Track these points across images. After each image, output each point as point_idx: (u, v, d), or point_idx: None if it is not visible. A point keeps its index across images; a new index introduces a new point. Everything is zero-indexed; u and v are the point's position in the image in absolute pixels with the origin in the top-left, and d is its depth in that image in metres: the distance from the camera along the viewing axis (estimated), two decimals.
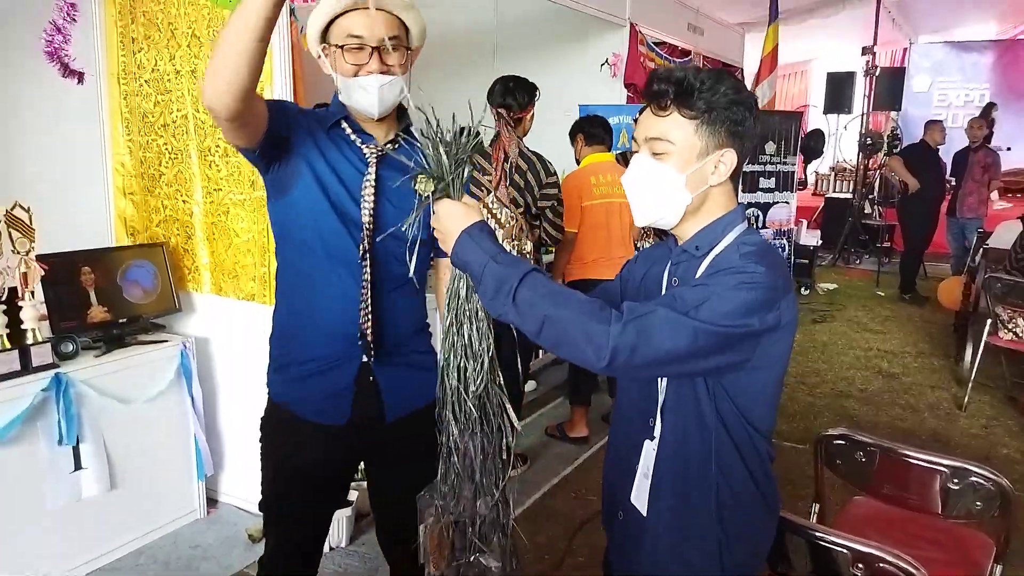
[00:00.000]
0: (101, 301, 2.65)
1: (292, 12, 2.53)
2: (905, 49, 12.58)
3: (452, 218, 1.22)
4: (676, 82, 1.19)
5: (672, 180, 1.21)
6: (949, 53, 12.41)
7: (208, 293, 2.87)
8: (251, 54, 1.23)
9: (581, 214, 3.52)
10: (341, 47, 1.47)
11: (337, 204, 1.53)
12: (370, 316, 1.54)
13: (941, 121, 7.92)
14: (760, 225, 6.02)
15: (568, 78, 5.14)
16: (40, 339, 2.39)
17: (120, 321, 2.69)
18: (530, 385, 4.39)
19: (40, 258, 2.40)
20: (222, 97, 1.27)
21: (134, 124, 2.90)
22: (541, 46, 5.26)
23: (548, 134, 4.64)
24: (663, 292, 1.30)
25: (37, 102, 2.91)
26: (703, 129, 1.19)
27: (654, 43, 5.25)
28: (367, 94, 1.49)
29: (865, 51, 8.44)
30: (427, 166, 1.26)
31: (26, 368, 2.34)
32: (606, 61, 4.94)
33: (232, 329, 2.86)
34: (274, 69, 2.49)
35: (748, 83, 7.03)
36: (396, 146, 1.60)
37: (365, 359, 1.57)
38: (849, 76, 8.95)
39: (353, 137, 1.57)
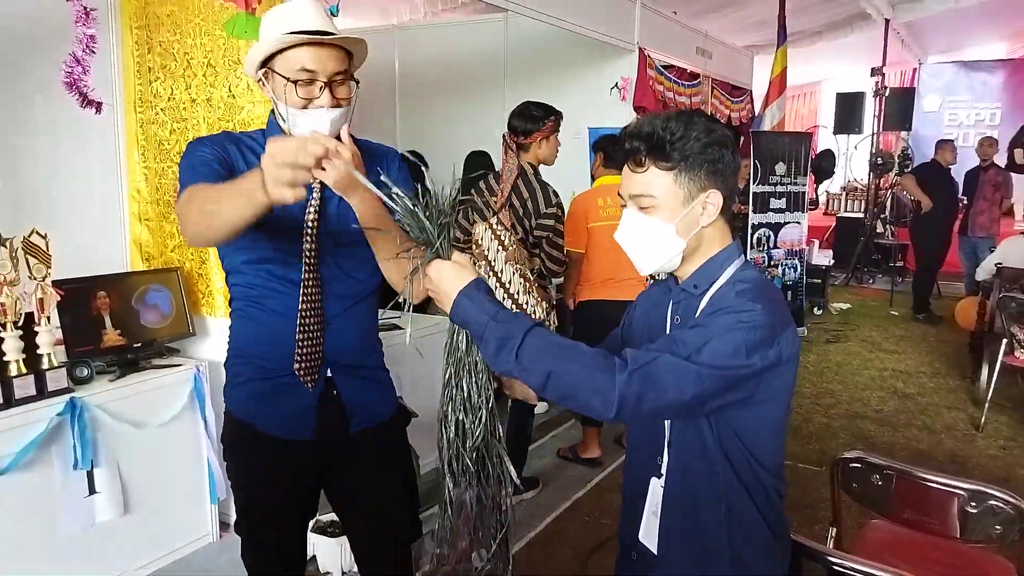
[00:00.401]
0: (116, 326, 2.68)
1: None
2: (915, 69, 12.60)
3: (447, 279, 1.20)
4: (646, 137, 1.22)
5: (663, 231, 1.24)
6: (959, 73, 12.42)
7: (221, 317, 2.89)
8: (246, 223, 1.28)
9: (588, 235, 3.53)
10: (290, 80, 1.45)
11: (279, 230, 1.53)
12: (320, 337, 1.57)
13: (952, 141, 7.90)
14: (772, 245, 6.01)
15: (578, 102, 5.18)
16: (55, 364, 2.42)
17: (135, 345, 2.72)
18: (542, 407, 4.37)
19: (56, 284, 2.44)
20: (209, 244, 1.39)
21: (150, 151, 2.94)
22: (551, 71, 5.31)
23: (560, 158, 4.67)
24: (668, 330, 1.32)
25: (56, 130, 2.96)
26: (682, 177, 1.22)
27: (663, 67, 5.28)
28: (317, 128, 1.45)
29: (875, 72, 8.46)
30: (408, 231, 1.24)
31: (41, 393, 2.36)
32: (615, 85, 4.97)
33: None
34: None
35: (758, 104, 7.06)
36: None
37: (329, 374, 1.61)
38: (859, 96, 8.97)
39: None
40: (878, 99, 8.80)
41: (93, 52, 1.85)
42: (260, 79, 1.52)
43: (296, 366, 1.57)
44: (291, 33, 1.43)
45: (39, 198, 3.29)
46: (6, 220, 3.44)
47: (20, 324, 2.33)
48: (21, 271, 2.34)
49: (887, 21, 9.46)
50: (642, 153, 1.22)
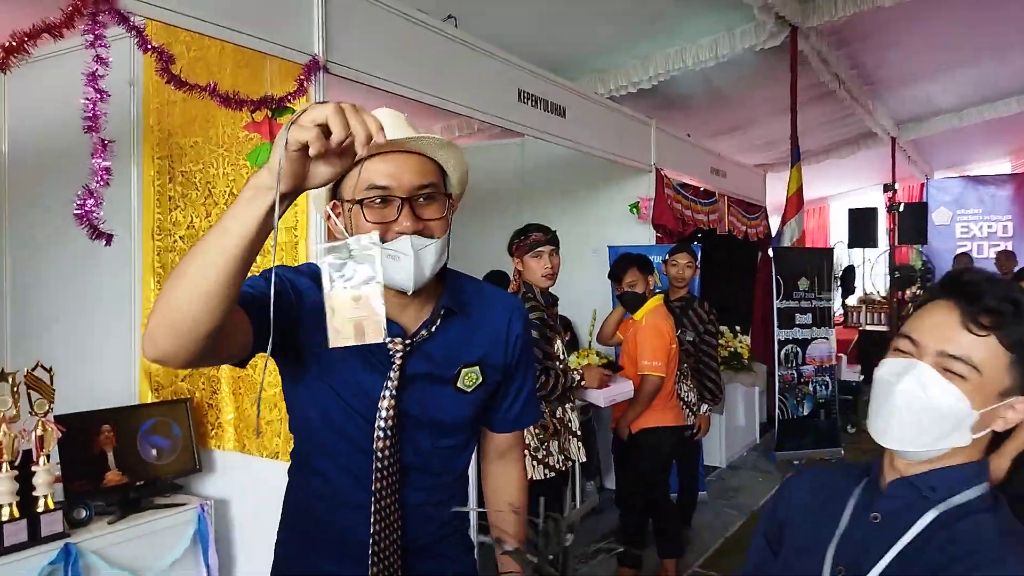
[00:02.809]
0: (119, 463, 2.52)
1: None
2: (922, 184, 12.79)
3: None
4: (1013, 301, 0.96)
5: (960, 413, 0.96)
6: (967, 187, 12.57)
7: (230, 450, 2.73)
8: (221, 291, 0.93)
9: (668, 358, 3.40)
10: (360, 202, 1.14)
11: (347, 415, 1.23)
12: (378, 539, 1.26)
13: (968, 253, 7.88)
14: (800, 362, 5.83)
15: (596, 220, 5.20)
16: (52, 506, 2.25)
17: (137, 484, 2.55)
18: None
19: (59, 419, 2.31)
20: (172, 351, 0.96)
21: (166, 279, 2.88)
22: (568, 190, 5.36)
23: (576, 274, 4.64)
24: (841, 528, 1.04)
25: (68, 257, 2.94)
26: (1018, 366, 0.96)
27: (679, 185, 5.33)
28: (398, 263, 1.13)
29: (887, 188, 8.55)
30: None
31: (34, 538, 2.19)
32: (636, 204, 4.99)
33: (255, 489, 2.69)
34: (310, 222, 2.49)
35: (773, 220, 7.09)
36: (431, 330, 1.24)
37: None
38: (872, 212, 9.02)
39: None
40: (892, 214, 8.85)
41: (108, 185, 1.80)
42: (329, 214, 1.18)
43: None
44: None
45: (50, 326, 3.25)
46: (15, 351, 3.39)
47: (17, 463, 2.19)
48: (22, 406, 2.22)
49: (893, 140, 9.69)
50: (1003, 317, 0.94)
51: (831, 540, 1.02)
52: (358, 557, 1.25)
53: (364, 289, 1.00)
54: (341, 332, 1.01)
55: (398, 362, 1.21)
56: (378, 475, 1.23)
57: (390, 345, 1.21)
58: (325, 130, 0.89)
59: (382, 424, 1.21)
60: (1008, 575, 0.86)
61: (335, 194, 1.20)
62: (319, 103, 0.92)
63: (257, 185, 0.92)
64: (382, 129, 0.92)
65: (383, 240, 1.10)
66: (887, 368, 1.00)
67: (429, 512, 1.31)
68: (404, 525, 1.27)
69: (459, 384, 1.27)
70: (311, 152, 0.90)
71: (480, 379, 1.28)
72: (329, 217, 1.18)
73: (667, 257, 4.10)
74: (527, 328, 1.37)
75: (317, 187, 0.98)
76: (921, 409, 0.96)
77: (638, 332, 3.43)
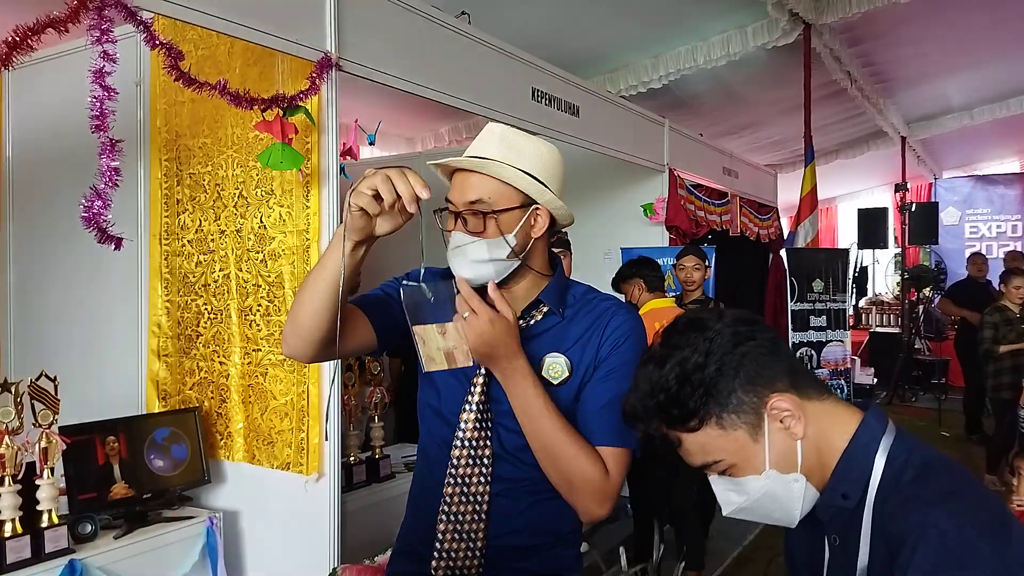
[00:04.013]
0: (125, 475, 2.44)
1: (342, 170, 2.48)
2: (930, 184, 12.69)
3: None
4: (644, 417, 0.98)
5: (766, 484, 0.94)
6: (975, 186, 12.47)
7: (240, 461, 2.65)
8: (326, 309, 1.21)
9: None
10: (440, 211, 1.35)
11: (451, 385, 1.36)
12: (442, 539, 1.33)
13: (981, 253, 7.80)
14: (815, 365, 5.73)
15: (608, 222, 5.11)
16: (56, 520, 2.17)
17: (144, 496, 2.47)
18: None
19: (63, 430, 2.23)
20: (299, 351, 1.28)
21: (174, 284, 2.81)
22: (579, 191, 5.26)
23: (589, 277, 4.54)
24: (827, 558, 1.00)
25: (73, 262, 2.87)
26: (724, 418, 0.93)
27: (692, 186, 5.24)
28: (456, 263, 1.31)
29: (898, 188, 8.47)
30: None
31: (38, 555, 2.11)
32: (650, 205, 4.90)
33: (265, 501, 2.61)
34: (322, 225, 2.41)
35: (785, 221, 7.00)
36: (528, 322, 1.34)
37: None
38: (882, 212, 8.94)
39: None
40: (903, 214, 8.76)
41: (117, 186, 1.72)
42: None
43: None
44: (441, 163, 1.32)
45: (55, 335, 3.17)
46: (18, 359, 3.32)
47: (20, 477, 2.11)
48: (26, 417, 2.14)
49: (903, 139, 9.60)
50: (659, 435, 0.97)
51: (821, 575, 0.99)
52: (428, 528, 1.34)
53: (447, 324, 1.23)
54: (434, 360, 1.24)
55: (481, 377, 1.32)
56: (456, 453, 1.31)
57: None
58: (378, 194, 1.13)
59: (470, 400, 1.32)
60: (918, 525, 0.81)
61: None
62: (375, 170, 1.15)
63: (339, 234, 1.18)
64: (426, 186, 1.14)
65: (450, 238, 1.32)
66: None
67: (508, 507, 1.33)
68: (487, 516, 1.32)
69: (544, 373, 1.31)
70: (370, 212, 1.15)
71: (567, 373, 1.31)
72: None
73: (675, 261, 4.03)
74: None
75: (387, 234, 1.21)
76: (764, 508, 0.97)
77: None
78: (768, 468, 0.92)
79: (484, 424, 1.32)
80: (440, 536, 1.32)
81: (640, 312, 3.47)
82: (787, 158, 9.20)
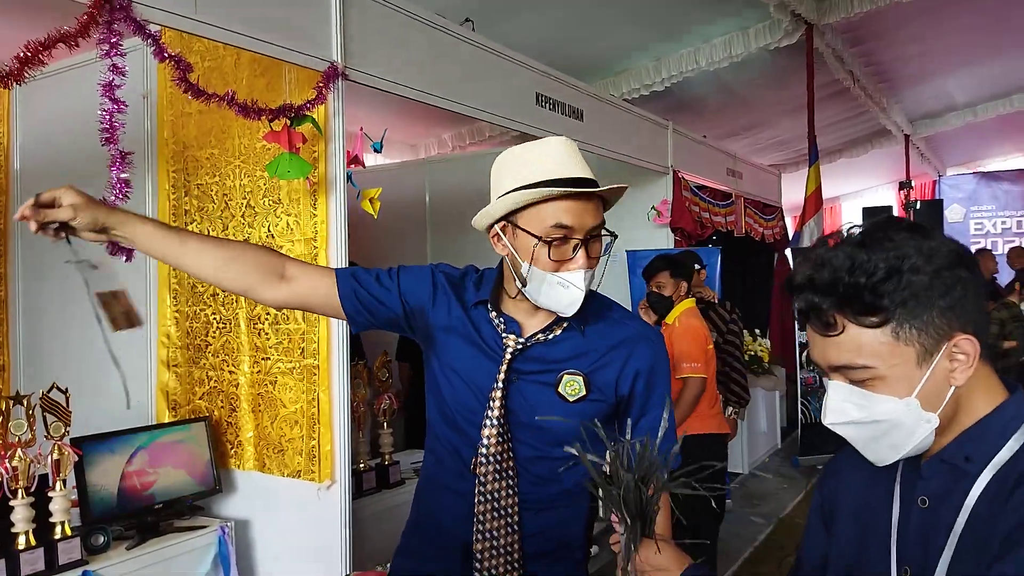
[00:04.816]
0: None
1: (349, 178, 2.49)
2: (934, 181, 12.65)
3: (662, 566, 1.01)
4: (826, 289, 0.86)
5: (900, 412, 0.87)
6: (980, 183, 12.42)
7: (250, 470, 2.66)
8: (193, 269, 1.32)
9: (706, 359, 3.31)
10: (543, 239, 1.23)
11: (464, 398, 1.35)
12: (481, 558, 1.32)
13: (990, 250, 7.77)
14: None
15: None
16: (69, 532, 2.18)
17: (155, 507, 2.47)
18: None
19: (75, 442, 2.24)
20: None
21: (183, 295, 2.82)
22: None
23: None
24: (895, 515, 0.95)
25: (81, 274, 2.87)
26: (906, 329, 0.85)
27: (696, 187, 5.24)
28: (568, 292, 1.25)
29: (902, 186, 8.44)
30: (609, 506, 1.03)
31: (51, 567, 2.12)
32: (653, 208, 4.90)
33: (276, 510, 2.61)
34: (330, 234, 2.41)
35: (790, 221, 6.99)
36: (548, 336, 1.34)
37: None
38: (886, 211, 8.91)
39: (496, 322, 1.36)
40: (909, 211, 8.74)
41: (127, 198, 1.73)
42: (497, 233, 1.31)
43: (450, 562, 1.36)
44: (551, 183, 1.22)
45: (65, 347, 3.18)
46: (28, 372, 3.33)
47: (33, 489, 2.11)
48: (38, 430, 2.15)
49: (907, 137, 9.58)
50: (828, 311, 0.86)
51: (889, 535, 0.93)
52: (452, 543, 1.34)
53: (118, 290, 1.38)
54: (117, 320, 1.39)
55: (507, 357, 1.31)
56: (483, 470, 1.31)
57: (505, 340, 1.33)
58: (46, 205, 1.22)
59: (491, 415, 1.31)
60: None
61: (507, 216, 1.29)
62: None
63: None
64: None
65: (557, 270, 1.25)
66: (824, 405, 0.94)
67: (530, 517, 1.33)
68: (519, 528, 1.32)
69: (560, 390, 1.31)
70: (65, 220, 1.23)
71: (584, 392, 1.31)
72: (496, 236, 1.32)
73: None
74: (656, 368, 1.35)
75: (84, 224, 1.23)
76: (866, 427, 0.90)
77: (674, 335, 3.30)
78: (914, 397, 0.86)
79: (505, 437, 1.31)
80: (479, 555, 1.31)
81: (684, 309, 3.40)
82: (791, 158, 9.18)
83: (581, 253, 1.24)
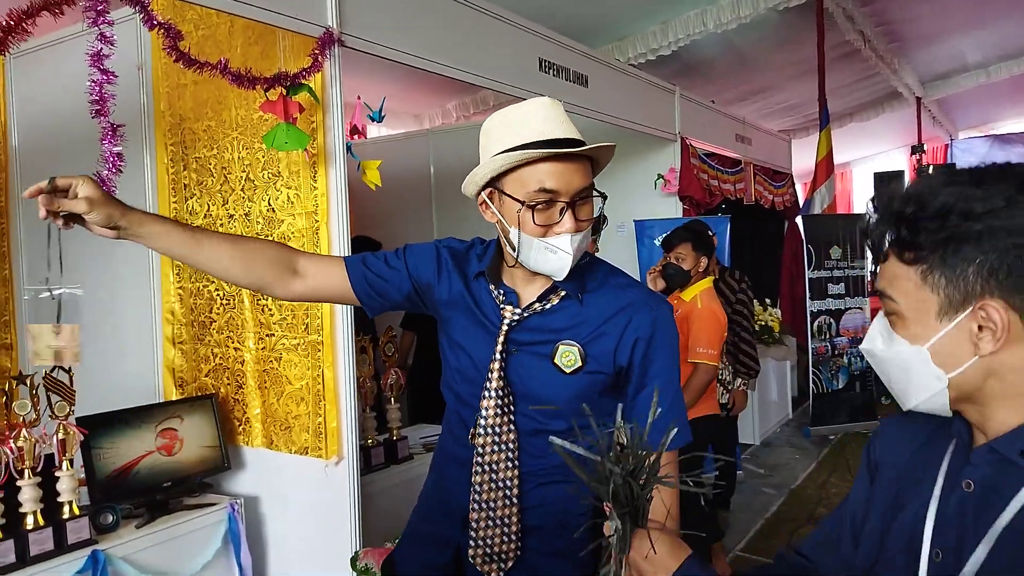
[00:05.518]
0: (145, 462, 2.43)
1: (349, 148, 2.43)
2: (946, 145, 12.47)
3: (658, 560, 0.95)
4: (883, 214, 0.83)
5: (907, 356, 0.83)
6: (993, 146, 12.22)
7: (259, 447, 2.64)
8: (207, 268, 1.31)
9: (720, 347, 3.22)
10: (526, 203, 1.21)
11: (467, 371, 1.36)
12: (476, 527, 1.33)
13: None
14: (835, 333, 5.66)
15: (620, 194, 5.01)
16: (77, 512, 2.16)
17: (164, 485, 2.46)
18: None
19: (81, 421, 2.22)
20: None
21: (185, 271, 2.78)
22: None
23: (604, 252, 4.49)
24: (936, 497, 0.88)
25: (83, 251, 2.84)
26: (935, 276, 0.80)
27: (705, 154, 5.14)
28: (557, 257, 1.22)
29: (915, 150, 8.31)
30: (599, 495, 0.98)
31: (60, 546, 2.10)
32: (660, 177, 4.82)
33: (285, 486, 2.60)
34: (330, 206, 2.36)
35: (800, 187, 6.88)
36: (545, 306, 1.31)
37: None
38: (898, 175, 8.79)
39: (495, 294, 1.35)
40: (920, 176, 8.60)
41: (120, 171, 1.68)
42: (484, 200, 1.30)
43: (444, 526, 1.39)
44: (530, 146, 1.19)
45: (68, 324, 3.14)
46: (27, 354, 3.31)
47: (39, 469, 2.10)
48: (42, 409, 2.13)
49: (918, 100, 9.40)
50: (879, 235, 0.84)
51: (927, 512, 0.87)
52: (455, 511, 1.35)
53: (64, 325, 1.35)
54: (40, 355, 1.37)
55: (504, 328, 1.30)
56: (481, 441, 1.30)
57: (502, 312, 1.31)
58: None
59: (489, 386, 1.29)
60: None
61: (491, 182, 1.26)
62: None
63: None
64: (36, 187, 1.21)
65: (545, 235, 1.21)
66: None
67: (529, 490, 1.32)
68: (519, 500, 1.31)
69: (556, 360, 1.29)
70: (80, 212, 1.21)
71: (580, 363, 1.28)
72: (484, 203, 1.29)
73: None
74: (658, 336, 1.29)
75: (97, 219, 1.20)
76: (883, 360, 0.87)
77: (693, 316, 3.19)
78: (925, 347, 0.81)
79: (505, 409, 1.30)
80: (474, 524, 1.31)
81: (704, 288, 3.29)
82: (800, 123, 9.04)
83: (568, 216, 1.21)
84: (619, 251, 4.86)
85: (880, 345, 0.87)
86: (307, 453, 2.49)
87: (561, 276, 1.25)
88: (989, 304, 0.78)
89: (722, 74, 6.70)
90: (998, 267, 0.77)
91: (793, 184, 6.82)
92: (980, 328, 0.79)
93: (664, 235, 3.58)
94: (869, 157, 12.54)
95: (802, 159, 7.85)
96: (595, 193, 1.26)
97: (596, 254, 2.97)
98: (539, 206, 1.20)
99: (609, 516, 0.96)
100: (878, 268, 0.87)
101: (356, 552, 2.37)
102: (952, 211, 0.78)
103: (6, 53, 1.63)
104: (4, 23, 1.57)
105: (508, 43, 3.26)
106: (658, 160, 4.89)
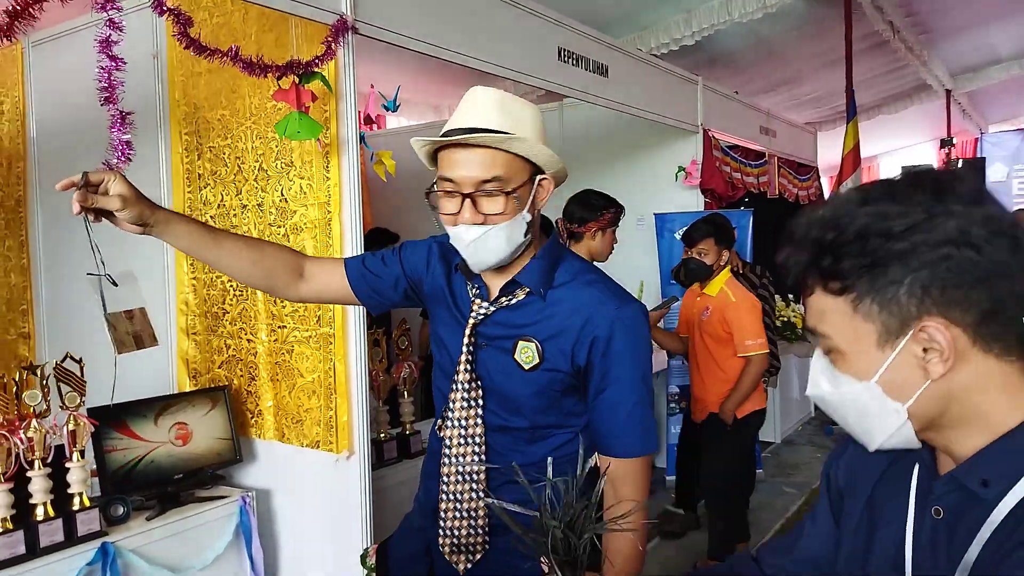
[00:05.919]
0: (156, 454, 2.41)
1: (362, 139, 2.39)
2: (976, 139, 12.19)
3: None
4: (800, 243, 0.77)
5: (857, 393, 0.77)
6: None
7: (271, 439, 2.62)
8: (225, 268, 1.36)
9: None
10: (429, 192, 1.27)
11: (445, 365, 1.38)
12: (444, 517, 1.35)
13: None
14: None
15: (640, 187, 4.94)
16: (87, 503, 2.15)
17: (176, 476, 2.44)
18: None
19: (92, 412, 2.20)
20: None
21: (199, 262, 2.75)
22: (610, 156, 5.11)
23: (621, 245, 4.41)
24: (910, 524, 0.82)
25: (101, 243, 2.82)
26: (866, 304, 0.74)
27: (728, 147, 5.05)
28: (463, 249, 1.25)
29: (943, 144, 8.11)
30: (537, 550, 0.96)
31: (71, 539, 2.09)
32: (681, 169, 4.73)
33: (297, 480, 2.57)
34: (343, 197, 2.32)
35: (826, 181, 6.74)
36: (511, 300, 1.31)
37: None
38: (927, 170, 8.59)
39: (469, 287, 1.35)
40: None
41: (130, 160, 1.66)
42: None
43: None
44: (446, 134, 1.23)
45: (81, 317, 3.15)
46: (44, 340, 3.32)
47: (49, 460, 2.09)
48: (52, 400, 2.12)
49: (948, 92, 9.19)
50: (797, 268, 0.78)
51: (903, 540, 0.82)
52: (429, 503, 1.38)
53: (134, 309, 1.34)
54: (124, 343, 1.35)
55: (472, 321, 1.31)
56: (448, 433, 1.32)
57: (473, 306, 1.32)
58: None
59: (457, 379, 1.32)
60: None
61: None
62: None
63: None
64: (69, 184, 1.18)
65: (454, 224, 1.22)
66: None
67: (505, 487, 1.30)
68: (487, 488, 1.32)
69: (516, 356, 1.29)
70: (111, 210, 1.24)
71: (537, 360, 1.28)
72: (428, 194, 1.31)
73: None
74: (617, 336, 1.24)
75: (129, 216, 1.25)
76: (837, 402, 0.81)
77: (730, 310, 3.15)
78: (874, 382, 0.75)
79: (472, 403, 1.30)
80: (443, 515, 1.33)
81: (727, 279, 3.25)
82: (827, 115, 8.87)
83: (467, 206, 1.19)
84: (639, 247, 4.79)
85: (826, 387, 0.81)
86: (318, 447, 2.46)
87: (478, 269, 1.27)
88: (929, 324, 0.72)
89: (747, 65, 6.57)
90: (930, 283, 0.71)
91: (819, 177, 6.69)
92: (925, 350, 0.73)
93: (684, 229, 3.52)
94: (897, 150, 12.31)
95: (828, 152, 7.69)
96: (509, 191, 1.20)
97: (615, 246, 2.96)
98: (441, 195, 1.23)
99: (549, 571, 0.93)
100: (803, 303, 0.81)
101: (365, 549, 2.34)
102: (870, 233, 0.72)
103: (14, 39, 1.61)
104: (11, 8, 1.55)
105: (526, 31, 3.20)
106: (680, 152, 4.80)
